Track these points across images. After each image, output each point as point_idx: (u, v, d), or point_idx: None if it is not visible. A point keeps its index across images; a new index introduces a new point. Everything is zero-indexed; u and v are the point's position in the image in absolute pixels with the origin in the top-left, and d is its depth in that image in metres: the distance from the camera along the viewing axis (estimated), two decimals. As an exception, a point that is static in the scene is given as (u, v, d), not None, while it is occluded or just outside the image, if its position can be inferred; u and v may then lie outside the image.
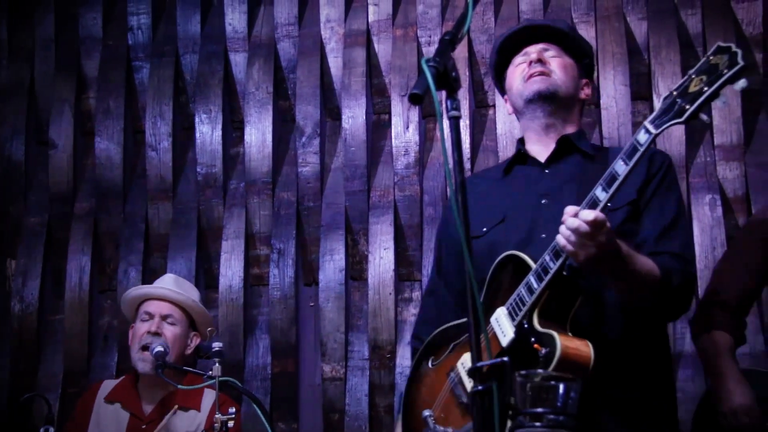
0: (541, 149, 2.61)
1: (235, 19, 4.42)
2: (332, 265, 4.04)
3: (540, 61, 2.60)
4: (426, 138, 4.15)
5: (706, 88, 1.98)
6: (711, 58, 2.00)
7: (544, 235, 2.38)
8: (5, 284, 4.36)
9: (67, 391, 4.12)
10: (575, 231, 2.09)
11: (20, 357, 4.21)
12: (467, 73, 4.06)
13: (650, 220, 2.42)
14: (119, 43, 4.53)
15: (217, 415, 2.73)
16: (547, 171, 2.57)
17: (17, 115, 4.52)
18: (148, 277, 4.10)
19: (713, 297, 3.01)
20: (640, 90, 3.99)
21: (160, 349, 3.24)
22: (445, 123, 1.76)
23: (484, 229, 2.52)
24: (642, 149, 2.08)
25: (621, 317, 2.34)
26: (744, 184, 3.80)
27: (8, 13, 4.65)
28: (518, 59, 2.66)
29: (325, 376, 3.97)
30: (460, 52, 4.06)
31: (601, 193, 2.12)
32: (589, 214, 2.09)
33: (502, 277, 2.34)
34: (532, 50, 2.63)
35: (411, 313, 3.96)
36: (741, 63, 1.94)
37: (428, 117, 4.17)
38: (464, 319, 2.41)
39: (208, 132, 4.30)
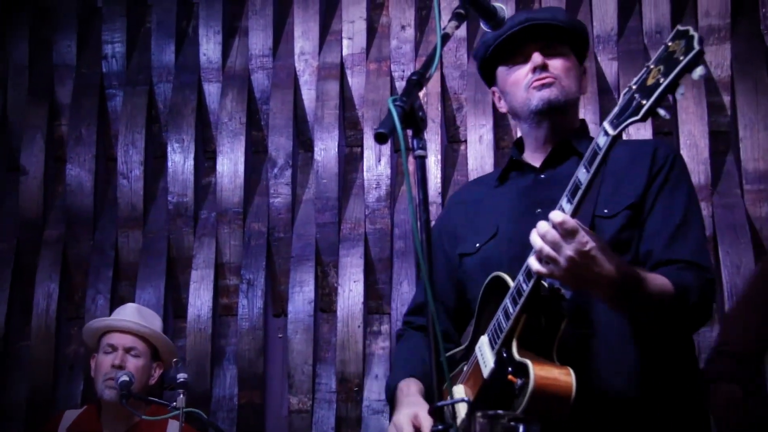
0: (539, 156, 2.42)
1: (209, 50, 4.43)
2: (301, 297, 4.04)
3: (545, 66, 2.36)
4: (397, 171, 4.17)
5: (662, 79, 1.76)
6: (669, 44, 1.79)
7: None
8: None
9: (31, 419, 4.07)
10: (544, 238, 1.90)
11: (-16, 384, 4.16)
12: (440, 109, 4.09)
13: (655, 226, 2.19)
14: (93, 71, 4.52)
15: (180, 448, 2.72)
16: (542, 176, 2.37)
17: (-12, 141, 4.50)
18: (117, 305, 4.03)
19: (722, 346, 2.96)
20: (610, 128, 4.02)
21: (125, 378, 3.23)
22: (410, 161, 1.76)
23: (477, 245, 2.36)
24: (602, 153, 1.86)
25: (628, 340, 2.15)
26: (711, 225, 3.82)
27: (-19, 39, 4.64)
28: (516, 59, 2.41)
29: (292, 408, 3.95)
30: (433, 88, 4.09)
31: (566, 205, 1.92)
32: (557, 215, 1.88)
33: (490, 301, 2.16)
34: (536, 56, 2.36)
35: (379, 346, 3.96)
36: (697, 47, 1.72)
37: (400, 151, 4.18)
38: (457, 350, 2.33)
39: (180, 161, 4.29)
